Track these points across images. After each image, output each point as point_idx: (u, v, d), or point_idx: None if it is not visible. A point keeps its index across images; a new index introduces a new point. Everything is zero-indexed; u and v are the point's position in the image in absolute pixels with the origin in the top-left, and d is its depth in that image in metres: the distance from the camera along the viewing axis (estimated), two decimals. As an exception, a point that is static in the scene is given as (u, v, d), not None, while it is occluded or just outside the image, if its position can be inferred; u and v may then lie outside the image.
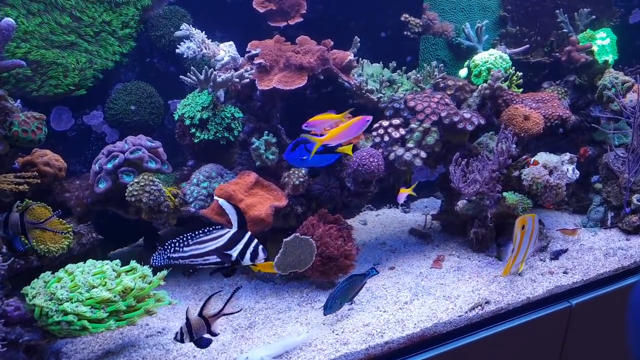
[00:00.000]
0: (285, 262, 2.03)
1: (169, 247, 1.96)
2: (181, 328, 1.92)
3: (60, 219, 2.43)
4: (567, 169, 3.23)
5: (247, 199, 2.65)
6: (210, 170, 2.68)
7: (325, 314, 2.26)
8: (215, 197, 2.55)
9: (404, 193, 2.81)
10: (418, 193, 4.00)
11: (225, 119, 2.66)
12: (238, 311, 2.31)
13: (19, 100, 2.38)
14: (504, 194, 2.96)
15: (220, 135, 2.67)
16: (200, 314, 1.90)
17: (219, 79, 2.42)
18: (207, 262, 1.95)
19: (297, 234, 2.03)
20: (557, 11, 3.58)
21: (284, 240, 2.00)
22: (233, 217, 1.93)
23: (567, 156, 3.26)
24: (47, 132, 2.92)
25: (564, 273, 2.72)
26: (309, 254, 2.06)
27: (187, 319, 1.91)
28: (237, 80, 2.47)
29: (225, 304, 1.98)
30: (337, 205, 2.93)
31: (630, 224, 3.13)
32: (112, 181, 2.49)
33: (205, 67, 2.47)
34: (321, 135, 2.24)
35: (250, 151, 2.74)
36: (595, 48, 3.45)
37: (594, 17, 3.63)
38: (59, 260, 2.37)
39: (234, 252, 1.89)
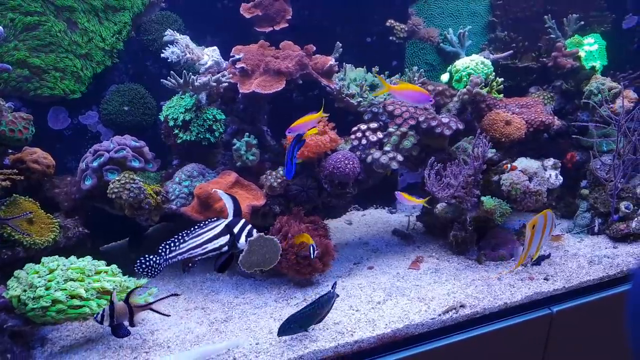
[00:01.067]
0: (249, 260, 2.13)
1: (164, 249, 2.03)
2: (104, 310, 2.01)
3: (48, 214, 2.57)
4: (550, 175, 3.25)
5: (226, 197, 2.76)
6: (192, 169, 2.80)
7: (278, 335, 2.17)
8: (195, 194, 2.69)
9: (404, 197, 2.83)
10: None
11: (207, 120, 2.77)
12: (166, 315, 2.37)
13: (10, 102, 2.52)
14: (482, 198, 3.01)
15: (202, 137, 2.78)
16: (126, 301, 1.98)
17: (197, 83, 2.54)
18: (206, 250, 2.03)
19: (261, 234, 2.13)
20: (546, 17, 3.59)
21: (248, 239, 2.09)
22: (229, 205, 2.04)
23: (550, 161, 3.28)
24: (44, 130, 3.13)
25: (544, 279, 2.70)
26: (274, 252, 2.14)
27: (112, 302, 2.00)
28: (215, 84, 2.58)
29: (157, 300, 2.11)
30: (317, 206, 3.02)
31: (617, 231, 3.09)
32: (98, 178, 2.63)
33: (184, 71, 2.59)
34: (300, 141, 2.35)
35: (233, 152, 2.86)
36: (582, 54, 3.46)
37: (582, 22, 3.63)
38: (46, 252, 2.51)
39: (231, 236, 2.01)
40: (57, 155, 3.01)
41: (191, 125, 2.76)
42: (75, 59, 3.01)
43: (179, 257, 2.04)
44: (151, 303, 2.05)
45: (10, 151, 2.57)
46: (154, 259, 2.01)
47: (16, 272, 2.22)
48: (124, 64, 3.24)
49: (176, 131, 2.76)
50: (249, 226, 2.04)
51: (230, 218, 2.06)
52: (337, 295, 2.25)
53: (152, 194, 2.67)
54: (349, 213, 3.88)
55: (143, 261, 2.02)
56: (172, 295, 2.22)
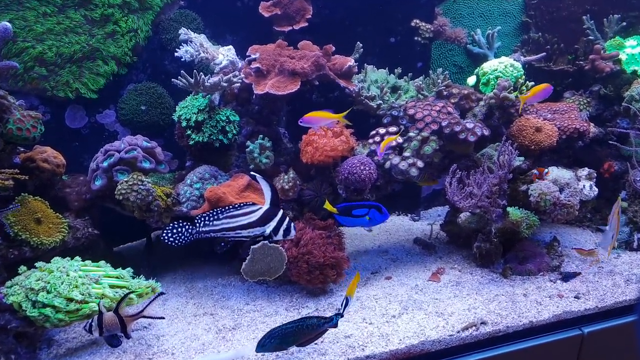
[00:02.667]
0: (253, 269, 2.03)
1: (200, 220, 1.99)
2: (92, 320, 1.94)
3: (57, 214, 2.55)
4: (584, 185, 3.05)
5: (237, 201, 2.67)
6: (204, 171, 2.73)
7: (256, 352, 2.03)
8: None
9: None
10: (432, 202, 3.90)
11: (220, 121, 2.70)
12: (160, 317, 2.30)
13: (21, 100, 2.51)
14: (508, 209, 2.83)
15: (214, 138, 2.71)
16: (115, 311, 1.90)
17: (207, 83, 2.46)
18: (239, 235, 1.99)
19: (265, 242, 2.03)
20: (584, 17, 3.37)
21: (252, 247, 2.00)
22: (267, 194, 1.98)
23: (585, 171, 3.08)
24: (62, 128, 3.12)
25: (575, 298, 2.52)
26: (279, 262, 2.04)
27: (100, 312, 1.94)
28: (226, 84, 2.50)
29: (146, 306, 2.03)
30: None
31: (659, 247, 2.88)
32: (108, 179, 2.59)
33: (194, 70, 2.52)
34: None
35: (246, 154, 2.77)
36: (623, 57, 3.22)
37: (624, 23, 3.39)
38: (53, 253, 2.48)
39: (268, 228, 1.95)
40: (74, 154, 3.01)
41: (204, 126, 2.69)
42: (94, 57, 3.00)
43: (211, 234, 1.99)
44: (141, 311, 1.97)
45: (22, 149, 2.55)
46: (187, 227, 1.96)
47: (14, 279, 2.19)
48: (142, 63, 3.21)
49: (189, 132, 2.70)
50: (287, 220, 1.98)
51: (267, 206, 1.99)
52: (340, 317, 2.08)
53: (162, 196, 2.61)
54: (369, 220, 3.75)
55: (175, 226, 1.96)
56: (160, 294, 2.18)
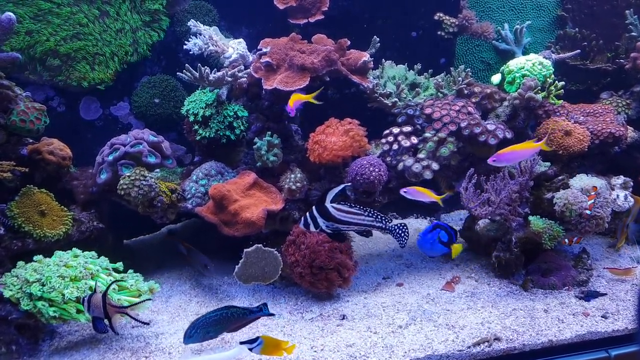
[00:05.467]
0: (246, 272, 1.95)
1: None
2: (84, 297, 1.98)
3: (62, 206, 2.54)
4: (618, 195, 2.82)
5: (242, 200, 2.59)
6: (210, 168, 2.66)
7: (185, 343, 2.06)
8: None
9: (417, 191, 2.50)
10: (454, 204, 3.71)
11: (227, 117, 2.62)
12: (145, 323, 2.29)
13: (27, 91, 2.50)
14: (530, 218, 2.64)
15: (221, 134, 2.64)
16: (103, 296, 1.91)
17: (211, 77, 2.39)
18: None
19: (259, 245, 1.94)
20: (627, 11, 3.10)
21: (245, 250, 1.92)
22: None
23: (620, 179, 2.86)
24: (76, 120, 3.13)
25: (602, 317, 2.33)
26: (274, 267, 1.96)
27: (94, 291, 1.97)
28: (230, 79, 2.41)
29: (132, 305, 2.04)
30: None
31: (701, 265, 2.64)
32: (113, 173, 2.56)
33: (199, 64, 2.45)
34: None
35: (254, 151, 2.69)
36: (669, 55, 2.95)
37: (672, 19, 3.10)
38: (57, 245, 2.48)
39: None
40: (87, 146, 3.00)
41: (211, 122, 2.62)
42: (104, 48, 2.97)
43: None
44: (126, 307, 1.94)
45: (30, 141, 2.55)
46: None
47: (14, 270, 2.19)
48: (156, 55, 3.17)
49: (196, 127, 2.64)
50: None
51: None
52: (270, 314, 2.09)
53: (166, 192, 2.56)
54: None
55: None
56: (146, 300, 2.17)
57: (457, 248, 2.17)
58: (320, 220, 1.98)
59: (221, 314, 2.00)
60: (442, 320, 2.38)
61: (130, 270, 2.45)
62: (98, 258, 2.38)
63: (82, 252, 2.38)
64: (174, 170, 2.97)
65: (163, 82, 3.13)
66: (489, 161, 2.27)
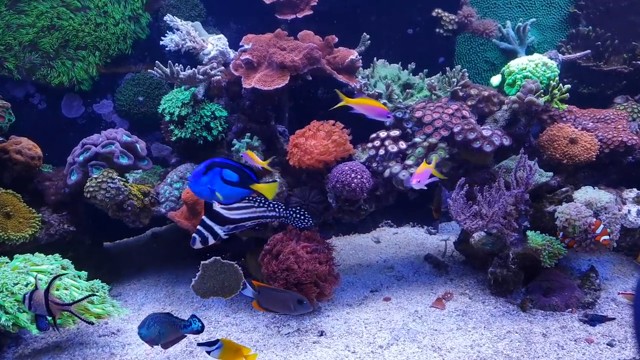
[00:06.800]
0: (204, 286, 1.80)
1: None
2: (25, 294, 1.88)
3: (30, 208, 2.43)
4: (629, 211, 2.59)
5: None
6: (185, 170, 2.53)
7: (140, 335, 1.93)
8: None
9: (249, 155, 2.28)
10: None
11: (204, 117, 2.48)
12: (90, 323, 2.14)
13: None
14: (528, 233, 2.41)
15: (197, 134, 2.49)
16: (46, 292, 1.81)
17: (181, 75, 2.24)
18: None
19: (218, 258, 1.79)
20: (646, 8, 2.85)
21: (202, 262, 1.77)
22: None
23: (632, 193, 2.63)
24: (58, 118, 3.03)
25: (608, 345, 2.10)
26: (235, 280, 1.80)
27: (35, 288, 1.88)
28: (202, 77, 2.26)
29: (75, 302, 1.93)
30: (327, 221, 2.62)
31: None
32: (83, 174, 2.45)
33: (169, 61, 2.30)
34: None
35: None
36: (691, 57, 2.69)
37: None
38: (24, 249, 2.38)
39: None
40: (70, 145, 2.89)
41: (187, 122, 2.48)
42: (85, 38, 2.86)
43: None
44: (68, 304, 1.84)
45: (0, 139, 2.46)
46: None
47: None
48: (140, 51, 3.04)
49: (171, 127, 2.50)
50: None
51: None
52: (197, 332, 1.88)
53: (137, 195, 2.43)
54: (379, 229, 3.43)
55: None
56: (90, 295, 2.08)
57: (264, 188, 1.81)
58: (216, 228, 1.81)
59: (166, 319, 1.88)
60: (428, 341, 2.20)
61: (97, 280, 2.34)
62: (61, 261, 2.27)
63: (46, 256, 2.27)
64: (155, 171, 2.85)
65: (147, 80, 3.01)
66: (411, 182, 2.11)
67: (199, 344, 1.77)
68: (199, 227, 1.82)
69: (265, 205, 1.99)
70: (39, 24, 2.75)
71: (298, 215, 2.12)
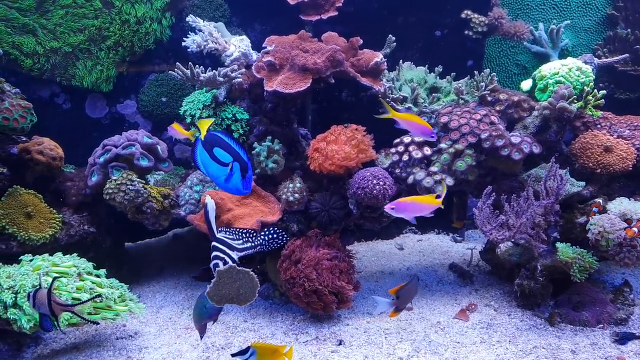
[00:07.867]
0: (218, 293, 1.76)
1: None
2: (29, 292, 1.86)
3: (51, 209, 2.44)
4: (667, 222, 2.43)
5: (237, 209, 2.41)
6: (205, 173, 2.49)
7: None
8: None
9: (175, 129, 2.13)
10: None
11: (225, 119, 2.45)
12: (95, 323, 2.11)
13: (17, 88, 2.40)
14: (558, 245, 2.30)
15: (218, 137, 2.45)
16: (48, 291, 1.79)
17: (202, 77, 2.21)
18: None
19: (233, 265, 1.75)
20: (690, 10, 2.69)
21: (217, 270, 1.74)
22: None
23: (670, 205, 2.46)
24: (82, 118, 3.04)
25: None
26: (250, 288, 1.75)
27: (39, 287, 1.86)
28: (222, 79, 2.22)
29: (78, 303, 1.92)
30: (347, 227, 2.56)
31: None
32: (104, 175, 2.44)
33: (189, 63, 2.27)
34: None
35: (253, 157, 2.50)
36: None
37: None
38: (45, 249, 2.38)
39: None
40: (93, 145, 2.90)
41: (207, 124, 2.45)
42: (110, 39, 2.87)
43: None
44: (71, 305, 1.82)
45: (23, 139, 2.47)
46: None
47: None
48: (164, 51, 3.03)
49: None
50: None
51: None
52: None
53: (157, 198, 2.42)
54: (403, 235, 3.35)
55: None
56: (95, 297, 2.07)
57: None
58: (234, 254, 1.93)
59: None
60: (450, 354, 2.12)
61: (113, 279, 2.33)
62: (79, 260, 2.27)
63: (64, 255, 2.27)
64: (177, 172, 2.84)
65: (170, 80, 3.00)
66: (386, 208, 1.90)
67: (233, 355, 1.72)
68: (213, 254, 1.95)
69: (242, 238, 2.09)
70: (65, 26, 2.77)
71: (271, 237, 2.23)
